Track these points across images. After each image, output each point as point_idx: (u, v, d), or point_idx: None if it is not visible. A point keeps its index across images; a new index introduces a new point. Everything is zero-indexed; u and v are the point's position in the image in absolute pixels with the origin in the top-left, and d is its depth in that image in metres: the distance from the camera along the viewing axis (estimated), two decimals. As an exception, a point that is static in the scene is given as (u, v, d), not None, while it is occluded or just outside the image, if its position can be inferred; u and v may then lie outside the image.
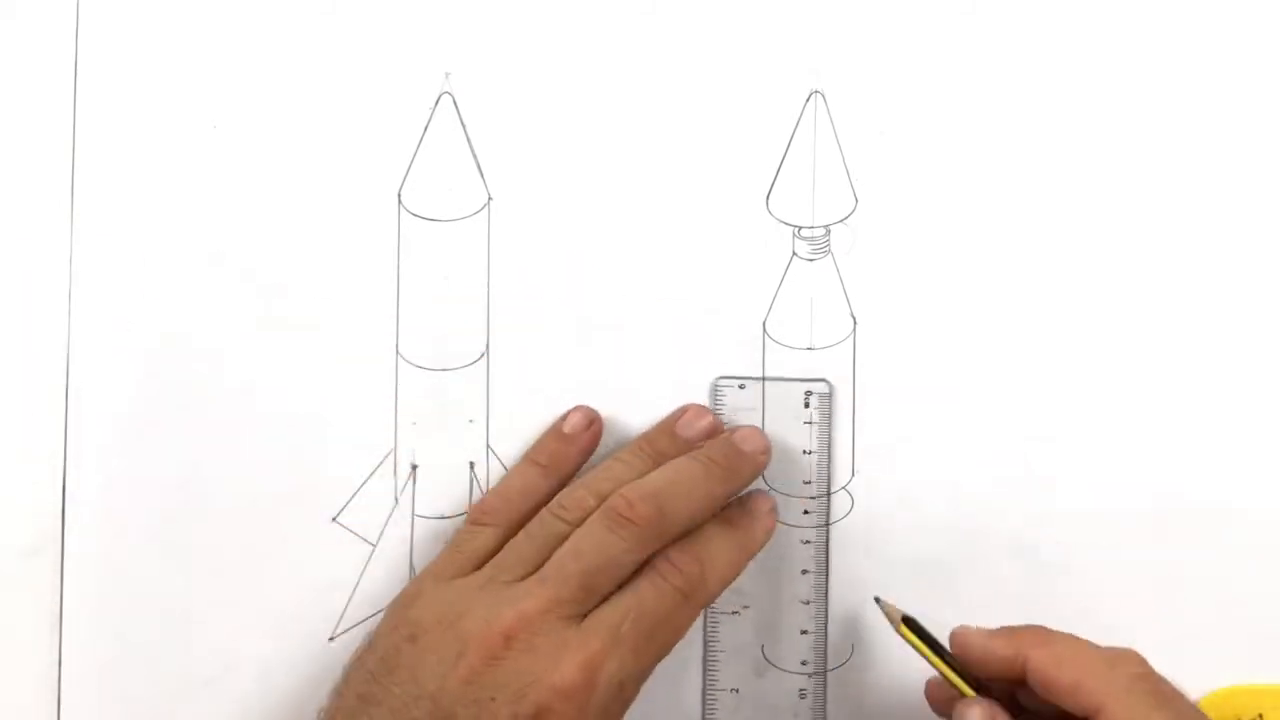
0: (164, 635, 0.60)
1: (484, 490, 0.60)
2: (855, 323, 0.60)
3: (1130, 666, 0.53)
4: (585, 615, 0.54)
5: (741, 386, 0.60)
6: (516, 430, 0.60)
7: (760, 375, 0.60)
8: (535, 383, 0.60)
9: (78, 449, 0.60)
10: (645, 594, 0.54)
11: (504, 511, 0.58)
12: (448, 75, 0.60)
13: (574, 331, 0.60)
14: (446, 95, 0.60)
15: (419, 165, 0.60)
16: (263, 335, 0.60)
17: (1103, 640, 0.56)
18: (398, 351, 0.60)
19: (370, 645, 0.55)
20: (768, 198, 0.60)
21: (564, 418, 0.60)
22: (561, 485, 0.59)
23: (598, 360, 0.60)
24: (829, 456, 0.60)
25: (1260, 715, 0.60)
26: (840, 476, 0.60)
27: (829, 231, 0.60)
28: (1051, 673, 0.53)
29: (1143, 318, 0.60)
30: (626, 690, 0.54)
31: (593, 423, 0.60)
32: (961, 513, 0.60)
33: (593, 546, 0.54)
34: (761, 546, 0.58)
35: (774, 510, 0.59)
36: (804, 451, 0.60)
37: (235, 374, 0.60)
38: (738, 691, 0.60)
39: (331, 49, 0.60)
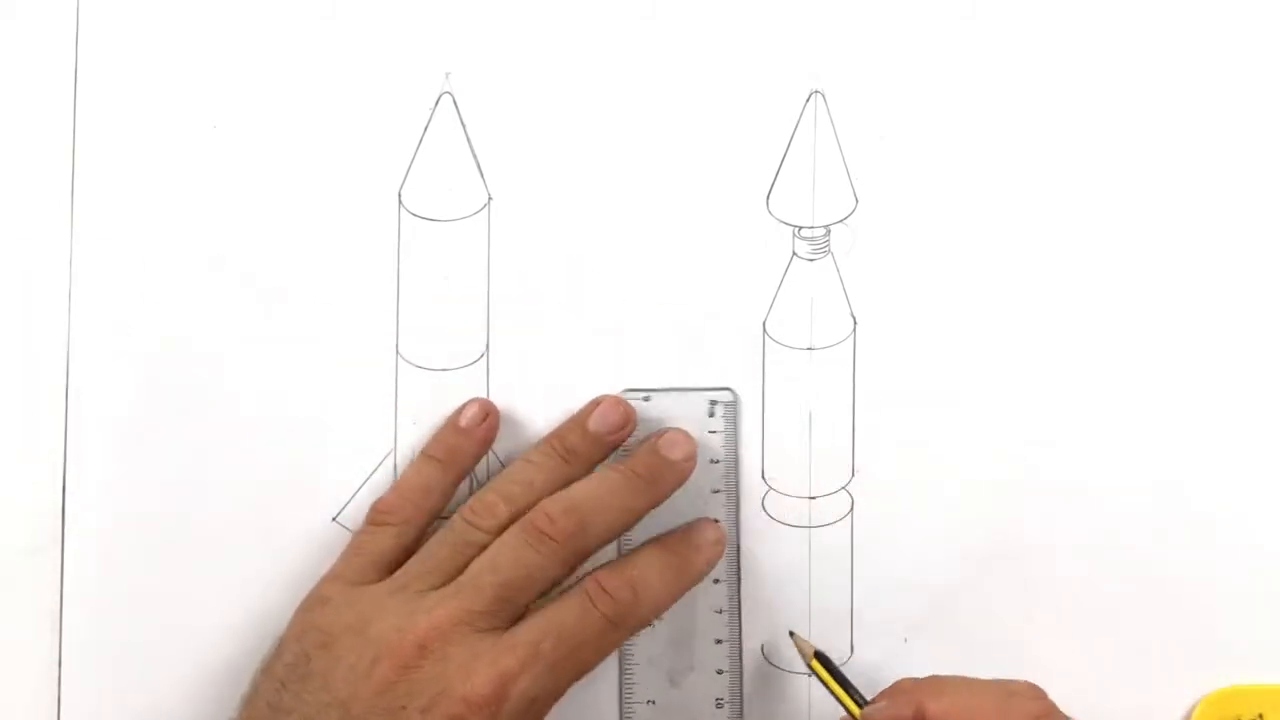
0: (164, 635, 0.60)
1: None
2: (855, 323, 0.60)
3: (1025, 706, 0.53)
4: (501, 627, 0.54)
5: (646, 398, 0.60)
6: (516, 430, 0.60)
7: (666, 386, 0.60)
8: (535, 383, 0.60)
9: (78, 449, 0.60)
10: (570, 615, 0.54)
11: (403, 510, 0.58)
12: (448, 75, 0.60)
13: (574, 331, 0.60)
14: (446, 95, 0.60)
15: (419, 165, 0.60)
16: (262, 334, 0.60)
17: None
18: (398, 351, 0.60)
19: (277, 653, 0.55)
20: (768, 198, 0.60)
21: (460, 410, 0.59)
22: (460, 479, 0.59)
23: (597, 359, 0.60)
24: (736, 464, 0.60)
25: (1260, 715, 0.60)
26: (840, 477, 0.60)
27: (829, 231, 0.60)
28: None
29: (1142, 319, 0.60)
30: (539, 705, 0.53)
31: (489, 415, 0.59)
32: (961, 512, 0.60)
33: (510, 560, 0.54)
34: (702, 577, 0.58)
35: (720, 541, 0.58)
36: (711, 461, 0.60)
37: (235, 373, 0.60)
38: (654, 703, 0.60)
39: (331, 49, 0.60)
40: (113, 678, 0.60)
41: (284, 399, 0.60)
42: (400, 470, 0.60)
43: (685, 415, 0.59)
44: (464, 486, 0.60)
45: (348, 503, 0.60)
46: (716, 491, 0.60)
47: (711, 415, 0.60)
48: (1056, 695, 0.56)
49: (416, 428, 0.60)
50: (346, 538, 0.59)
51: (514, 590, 0.54)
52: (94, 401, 0.60)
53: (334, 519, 0.60)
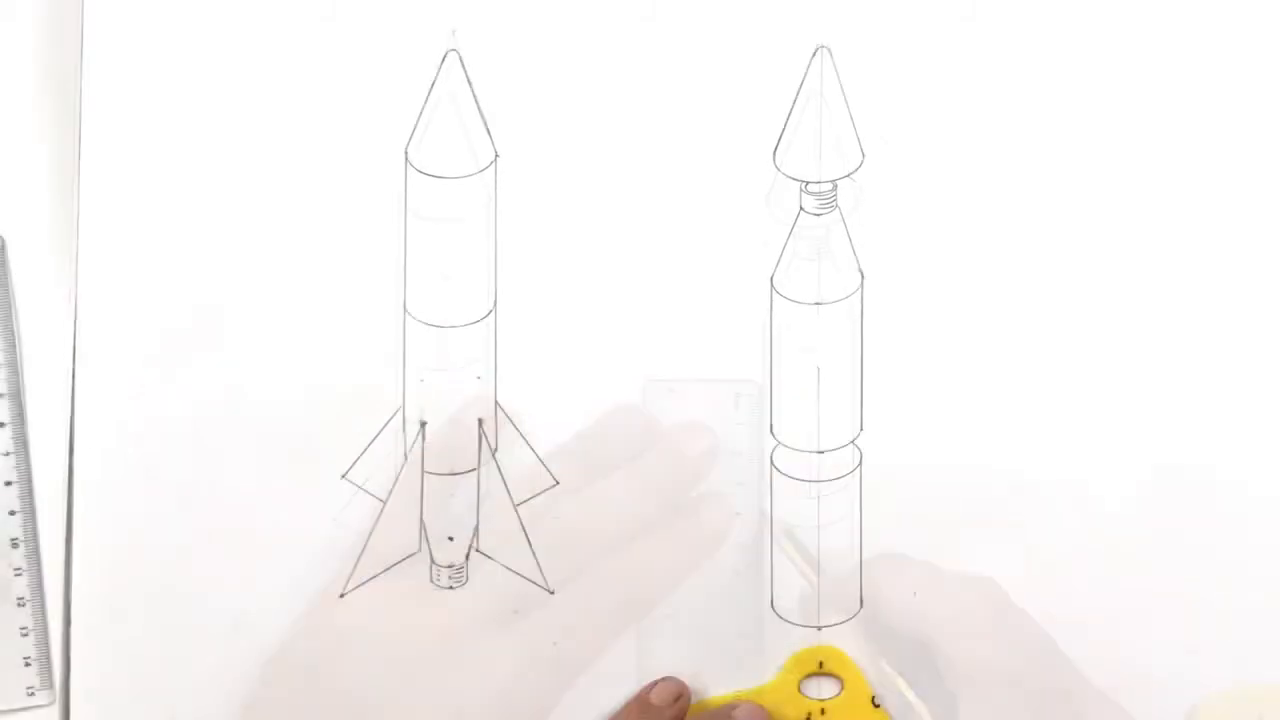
0: (173, 590, 0.59)
1: (493, 445, 0.60)
2: (863, 277, 0.60)
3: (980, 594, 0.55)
4: None
5: (671, 389, 0.60)
6: (524, 386, 0.60)
7: (689, 378, 0.60)
8: (543, 339, 0.60)
9: (77, 449, 0.60)
10: None
11: None
12: (454, 32, 0.60)
13: (581, 287, 0.60)
14: (453, 52, 0.60)
15: (426, 122, 0.60)
16: (270, 292, 0.60)
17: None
18: (405, 308, 0.60)
19: (292, 650, 0.57)
20: (775, 152, 0.60)
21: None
22: None
23: (605, 315, 0.60)
24: (761, 457, 0.60)
25: (1260, 715, 0.60)
26: (848, 431, 0.60)
27: (836, 186, 0.60)
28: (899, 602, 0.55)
29: (1153, 285, 0.60)
30: None
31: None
32: (967, 467, 0.60)
33: None
34: None
35: None
36: (734, 453, 0.60)
37: (242, 330, 0.60)
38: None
39: (338, 6, 0.60)
40: (113, 678, 0.60)
41: (291, 355, 0.60)
42: (408, 428, 0.60)
43: (710, 407, 0.60)
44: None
45: (357, 459, 0.60)
46: (740, 484, 0.60)
47: (736, 408, 0.60)
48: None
49: (424, 385, 0.60)
50: (357, 494, 0.59)
51: None
52: (101, 359, 0.60)
53: (343, 476, 0.60)
